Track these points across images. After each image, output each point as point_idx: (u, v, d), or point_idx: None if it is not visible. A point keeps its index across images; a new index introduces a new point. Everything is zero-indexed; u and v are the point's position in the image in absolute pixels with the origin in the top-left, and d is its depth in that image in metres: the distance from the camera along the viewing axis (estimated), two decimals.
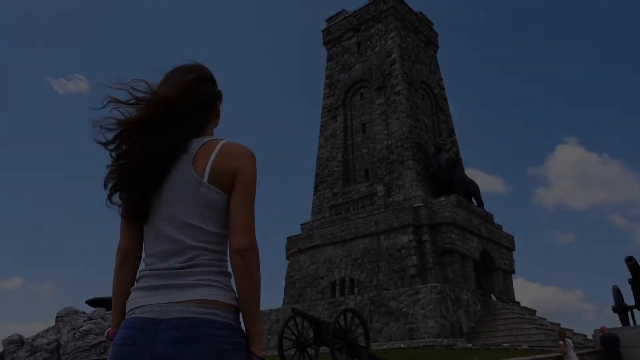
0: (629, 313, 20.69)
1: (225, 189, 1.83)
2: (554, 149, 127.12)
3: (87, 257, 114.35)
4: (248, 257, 1.77)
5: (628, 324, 20.23)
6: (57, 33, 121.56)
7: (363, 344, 13.89)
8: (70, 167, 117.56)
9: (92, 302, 16.26)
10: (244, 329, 1.81)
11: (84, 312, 13.48)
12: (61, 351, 11.82)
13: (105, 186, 1.88)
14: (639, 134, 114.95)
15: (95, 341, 12.04)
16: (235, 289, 1.82)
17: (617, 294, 20.60)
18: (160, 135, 1.83)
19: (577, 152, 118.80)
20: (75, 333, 12.07)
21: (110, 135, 1.86)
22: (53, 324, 13.11)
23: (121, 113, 1.86)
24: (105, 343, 11.75)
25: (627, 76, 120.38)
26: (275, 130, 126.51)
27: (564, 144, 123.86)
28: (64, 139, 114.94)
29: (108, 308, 13.95)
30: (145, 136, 1.82)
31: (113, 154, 1.87)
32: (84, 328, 12.24)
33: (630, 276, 20.53)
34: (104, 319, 12.96)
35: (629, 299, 20.89)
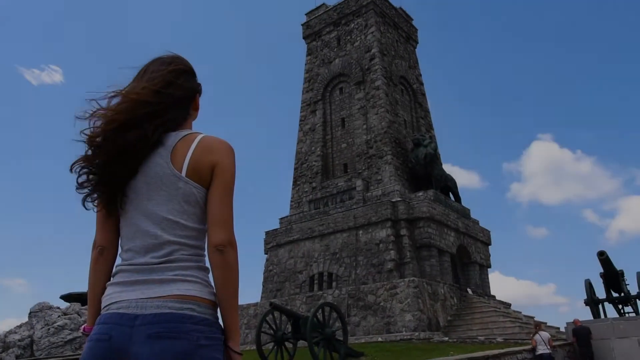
0: (600, 306, 21.21)
1: (203, 184, 1.82)
2: (529, 145, 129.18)
3: (62, 252, 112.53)
4: (226, 252, 1.76)
5: (599, 316, 20.74)
6: (30, 22, 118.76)
7: (341, 338, 13.99)
8: (43, 160, 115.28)
9: (67, 298, 16.04)
10: (222, 324, 1.80)
11: (58, 308, 13.29)
12: (35, 347, 11.63)
13: (71, 170, 1.84)
14: (611, 131, 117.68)
15: (70, 337, 11.88)
16: (213, 284, 1.81)
17: (589, 287, 21.09)
18: (132, 130, 1.81)
19: (551, 149, 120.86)
20: (49, 329, 11.89)
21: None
22: (26, 319, 12.90)
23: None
24: (81, 339, 11.60)
25: (601, 74, 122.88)
26: (255, 124, 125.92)
27: (539, 140, 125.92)
28: (36, 131, 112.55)
29: (83, 303, 13.77)
30: (117, 133, 1.80)
31: (86, 149, 1.85)
32: (58, 324, 12.06)
33: (602, 270, 21.03)
34: (79, 315, 12.79)
35: (601, 292, 21.44)
